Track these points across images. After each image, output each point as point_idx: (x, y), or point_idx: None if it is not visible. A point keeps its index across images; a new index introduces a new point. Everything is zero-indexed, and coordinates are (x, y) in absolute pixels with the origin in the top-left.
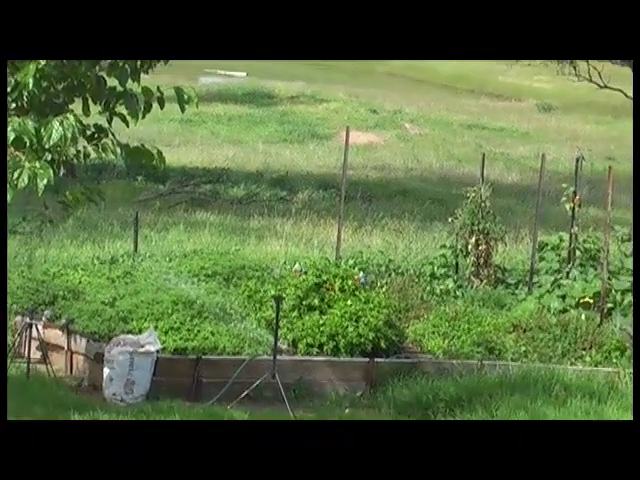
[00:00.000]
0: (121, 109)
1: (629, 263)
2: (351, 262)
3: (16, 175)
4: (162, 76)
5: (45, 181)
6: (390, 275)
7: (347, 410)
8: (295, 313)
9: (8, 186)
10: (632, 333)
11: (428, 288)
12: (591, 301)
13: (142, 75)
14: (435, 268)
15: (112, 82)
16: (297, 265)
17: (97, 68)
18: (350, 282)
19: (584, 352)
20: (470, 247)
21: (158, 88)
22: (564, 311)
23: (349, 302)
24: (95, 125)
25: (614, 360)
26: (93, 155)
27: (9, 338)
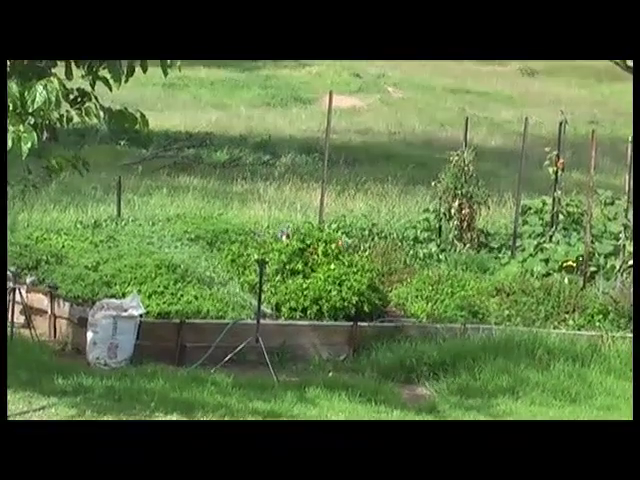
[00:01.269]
0: (104, 73)
1: (612, 227)
2: (334, 226)
3: None
4: None
5: (29, 145)
6: (373, 239)
7: (330, 374)
8: (279, 277)
9: None
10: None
11: (411, 252)
12: (574, 265)
13: None
14: (418, 232)
15: None
16: (283, 229)
17: None
18: (333, 246)
19: (567, 315)
20: (453, 211)
21: None
22: (547, 275)
23: (332, 266)
24: (78, 89)
25: (597, 323)
26: (76, 119)
27: None
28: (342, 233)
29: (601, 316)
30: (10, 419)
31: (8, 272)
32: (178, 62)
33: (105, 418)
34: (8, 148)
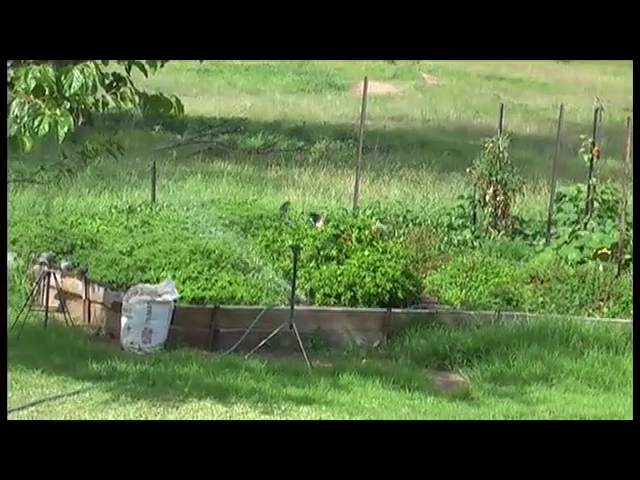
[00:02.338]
0: None
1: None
2: (368, 212)
3: (36, 123)
4: None
5: (65, 129)
6: (408, 226)
7: (364, 360)
8: (313, 263)
9: (28, 134)
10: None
11: (446, 239)
12: (609, 252)
13: None
14: (453, 219)
15: None
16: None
17: None
18: (367, 232)
19: (601, 303)
20: (488, 198)
21: None
22: (582, 262)
23: (366, 252)
24: (114, 74)
25: (632, 311)
26: (111, 104)
27: (27, 287)
28: (376, 219)
29: None
30: (45, 403)
31: (43, 257)
32: None
33: (139, 403)
34: (45, 132)
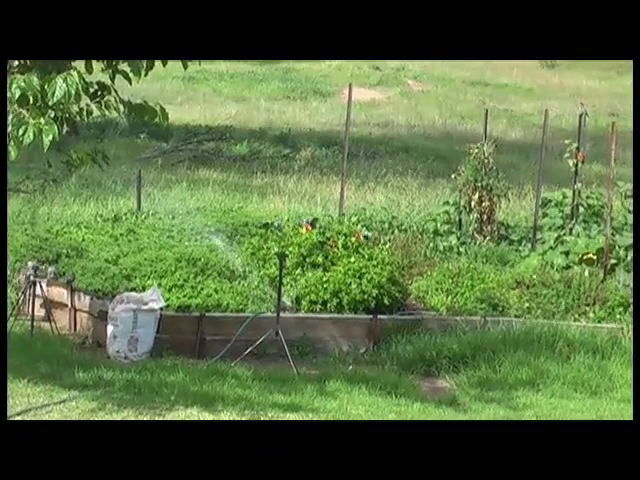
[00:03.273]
0: (124, 66)
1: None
2: (354, 219)
3: (21, 132)
4: None
5: (50, 137)
6: (393, 232)
7: (350, 367)
8: (298, 270)
9: (12, 143)
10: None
11: (431, 245)
12: (594, 257)
13: None
14: (438, 225)
15: None
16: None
17: None
18: (353, 239)
19: (587, 308)
20: (473, 204)
21: None
22: (567, 267)
23: (352, 259)
24: (98, 82)
25: (617, 316)
26: (96, 112)
27: (13, 296)
28: (362, 226)
29: (622, 308)
30: (31, 412)
31: (29, 265)
32: None
33: (125, 411)
34: (29, 140)
